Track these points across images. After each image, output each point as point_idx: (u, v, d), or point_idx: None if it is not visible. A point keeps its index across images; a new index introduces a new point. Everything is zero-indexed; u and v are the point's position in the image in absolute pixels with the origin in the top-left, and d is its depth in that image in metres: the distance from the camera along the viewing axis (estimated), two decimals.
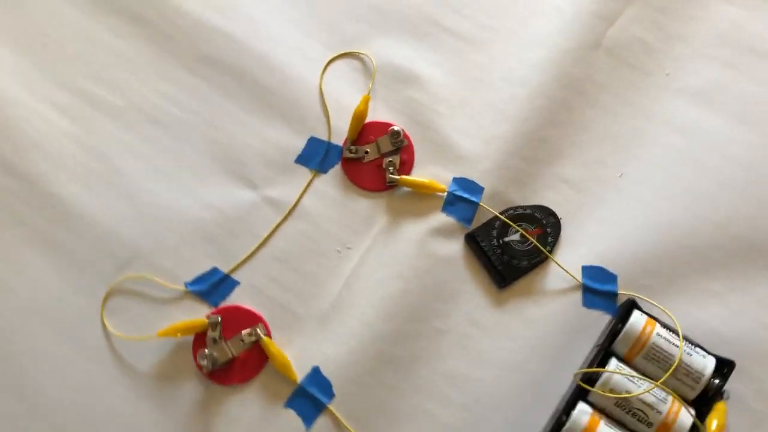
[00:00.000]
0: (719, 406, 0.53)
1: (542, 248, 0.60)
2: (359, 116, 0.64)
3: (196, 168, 0.64)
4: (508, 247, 0.60)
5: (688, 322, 0.58)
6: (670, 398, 0.53)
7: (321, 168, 0.64)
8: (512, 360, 0.59)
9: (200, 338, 0.59)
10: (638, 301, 0.59)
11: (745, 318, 0.59)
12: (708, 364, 0.54)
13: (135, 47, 0.67)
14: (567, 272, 0.60)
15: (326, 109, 0.65)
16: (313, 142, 0.65)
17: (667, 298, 0.59)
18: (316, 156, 0.64)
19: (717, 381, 0.54)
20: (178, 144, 0.64)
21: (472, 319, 0.60)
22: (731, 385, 0.55)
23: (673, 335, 0.55)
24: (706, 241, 0.61)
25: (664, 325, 0.56)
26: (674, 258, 0.60)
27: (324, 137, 0.65)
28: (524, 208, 0.62)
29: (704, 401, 0.54)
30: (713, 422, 0.52)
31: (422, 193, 0.63)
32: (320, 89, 0.66)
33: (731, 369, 0.54)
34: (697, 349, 0.55)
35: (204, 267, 0.62)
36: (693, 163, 0.63)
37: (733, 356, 0.56)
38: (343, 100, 0.66)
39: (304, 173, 0.64)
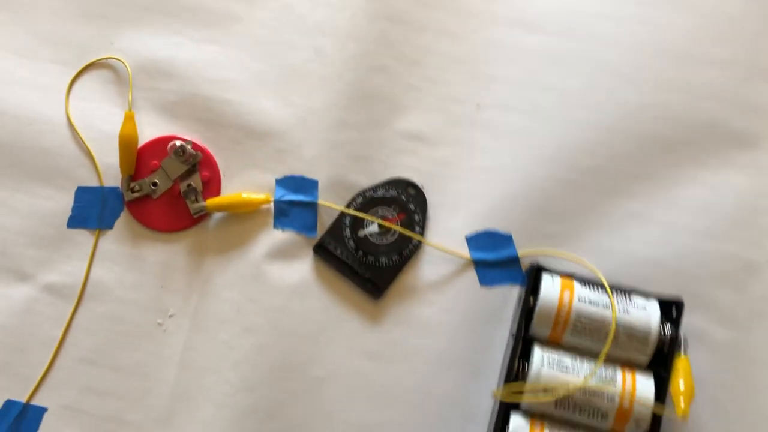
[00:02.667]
0: (680, 362, 0.41)
1: (410, 233, 0.46)
2: (128, 141, 0.47)
3: None
4: (368, 244, 0.46)
5: (612, 263, 0.46)
6: (618, 373, 0.41)
7: (103, 224, 0.48)
8: (421, 383, 0.45)
9: None
10: (546, 259, 0.46)
11: (677, 232, 0.47)
12: (651, 316, 0.42)
13: None
14: (449, 252, 0.47)
15: (86, 146, 0.49)
16: (82, 194, 0.48)
17: (579, 241, 0.47)
18: (92, 210, 0.48)
19: (668, 332, 0.42)
20: None
21: (356, 349, 0.46)
22: (686, 324, 0.43)
23: (599, 290, 0.43)
24: (607, 153, 0.48)
25: (585, 281, 0.43)
26: (574, 188, 0.47)
27: (95, 183, 0.48)
28: (374, 189, 0.48)
29: (660, 360, 0.42)
30: (679, 383, 0.40)
31: (243, 213, 0.48)
32: (70, 122, 0.49)
33: (680, 310, 0.42)
34: (633, 298, 0.43)
35: None
36: (560, 63, 0.49)
37: (676, 284, 0.45)
38: (105, 126, 0.49)
39: (85, 237, 0.48)
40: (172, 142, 0.47)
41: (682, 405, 0.39)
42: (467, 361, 0.45)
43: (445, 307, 0.46)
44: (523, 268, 0.47)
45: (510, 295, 0.46)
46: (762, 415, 0.44)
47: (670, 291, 0.44)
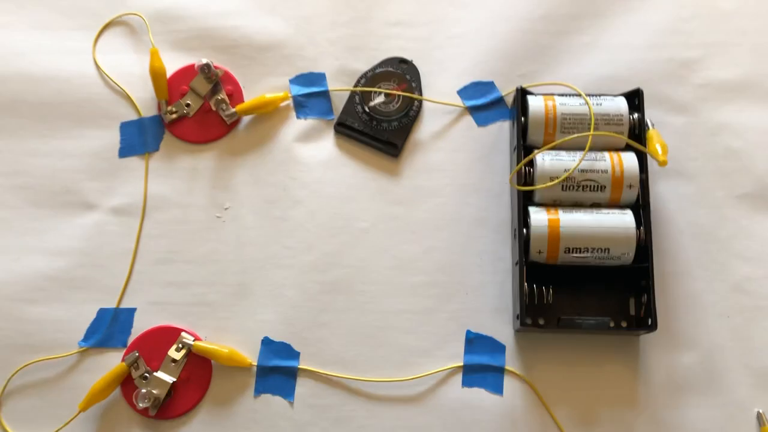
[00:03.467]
0: (650, 135, 0.51)
1: (411, 95, 0.55)
2: (157, 72, 0.55)
3: (20, 222, 0.54)
4: (379, 113, 0.55)
5: (579, 85, 0.55)
6: (605, 154, 0.50)
7: (149, 147, 0.55)
8: (449, 212, 0.53)
9: (128, 385, 0.50)
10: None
11: (622, 50, 0.57)
12: (620, 103, 0.51)
13: None
14: (447, 104, 0.56)
15: (120, 87, 0.56)
16: (126, 127, 0.56)
17: (547, 75, 0.56)
18: (138, 139, 0.56)
19: (636, 114, 0.51)
20: None
21: (388, 199, 0.54)
22: (648, 113, 0.52)
23: (575, 98, 0.52)
24: (551, 2, 0.58)
25: (562, 94, 0.53)
26: (534, 34, 0.57)
27: (134, 117, 0.56)
28: (372, 69, 0.56)
29: (635, 139, 0.51)
30: (656, 147, 0.49)
31: (269, 112, 0.56)
32: (101, 72, 0.57)
33: (641, 96, 0.52)
34: (602, 97, 0.52)
35: (89, 314, 0.52)
36: None
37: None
38: (134, 69, 0.57)
39: (136, 162, 0.55)
40: (198, 61, 0.55)
41: (661, 154, 0.48)
42: (481, 186, 0.54)
43: (453, 149, 0.55)
44: (507, 105, 0.56)
45: (502, 129, 0.56)
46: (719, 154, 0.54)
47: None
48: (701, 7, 0.58)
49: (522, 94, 0.53)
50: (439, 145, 0.55)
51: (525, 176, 0.51)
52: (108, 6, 0.58)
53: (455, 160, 0.55)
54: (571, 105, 0.51)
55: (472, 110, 0.56)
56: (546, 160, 0.50)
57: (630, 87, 0.54)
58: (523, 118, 0.52)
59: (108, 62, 0.57)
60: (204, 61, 0.54)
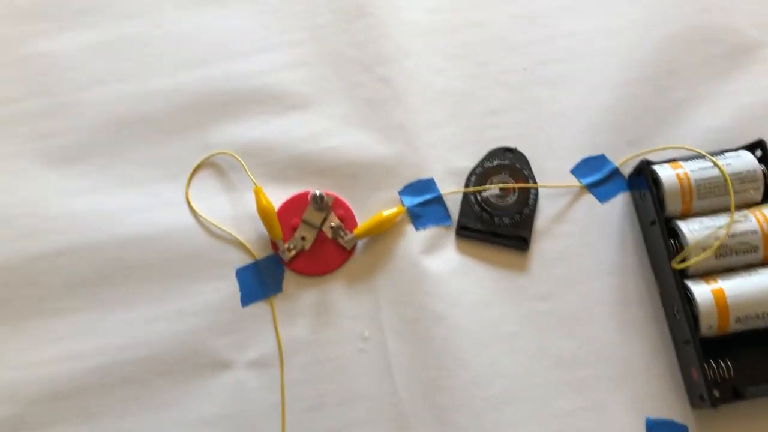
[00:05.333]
0: None
1: (526, 184, 0.54)
2: (267, 212, 0.53)
3: (153, 398, 0.51)
4: (498, 209, 0.53)
5: (687, 141, 0.55)
6: (748, 213, 0.50)
7: (272, 290, 0.53)
8: (595, 297, 0.52)
9: None
10: (639, 157, 0.54)
11: (719, 97, 0.56)
12: (747, 158, 0.51)
13: None
14: (565, 186, 0.54)
15: (227, 231, 0.54)
16: (243, 273, 0.53)
17: (656, 135, 0.55)
18: (258, 283, 0.53)
19: (763, 168, 0.51)
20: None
21: (529, 296, 0.52)
22: None
23: (699, 160, 0.51)
24: (644, 63, 0.57)
25: (684, 158, 0.52)
26: (632, 100, 0.56)
27: (249, 260, 0.54)
28: (480, 165, 0.55)
29: None
30: None
31: (386, 230, 0.54)
32: (200, 220, 0.54)
33: (764, 146, 0.51)
34: (726, 155, 0.52)
35: None
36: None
37: (740, 135, 0.54)
38: (235, 210, 0.55)
39: (262, 308, 0.53)
40: (311, 192, 0.53)
41: None
42: (621, 264, 0.53)
43: (581, 231, 0.54)
44: (624, 176, 0.55)
45: (624, 201, 0.54)
46: None
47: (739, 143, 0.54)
48: None
49: (645, 167, 0.52)
50: (566, 230, 0.54)
51: (673, 249, 0.50)
52: (192, 150, 0.56)
53: (586, 242, 0.53)
54: (702, 169, 0.50)
55: (591, 187, 0.55)
56: (693, 230, 0.49)
57: (738, 134, 0.54)
58: (656, 190, 0.51)
59: (206, 208, 0.55)
60: (317, 192, 0.52)
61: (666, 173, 0.51)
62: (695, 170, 0.51)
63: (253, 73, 0.57)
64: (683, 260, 0.48)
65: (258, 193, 0.53)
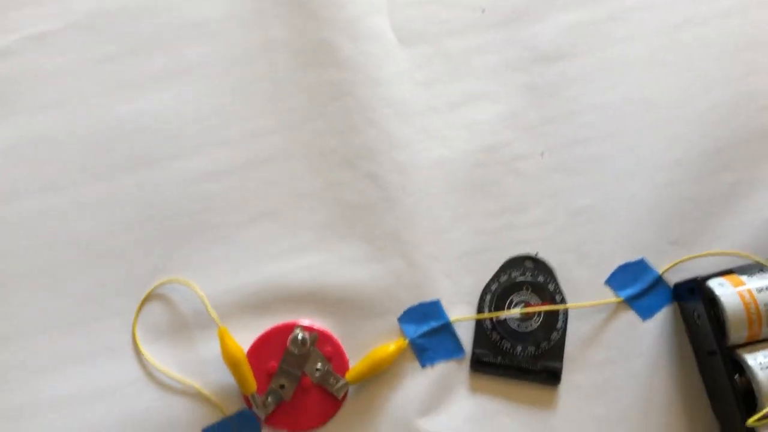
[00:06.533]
0: None
1: (553, 306, 0.44)
2: (235, 359, 0.42)
3: None
4: (522, 336, 0.44)
5: (744, 239, 0.45)
6: None
7: None
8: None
9: None
10: (687, 265, 0.45)
11: None
12: None
13: None
14: (600, 304, 0.45)
15: (189, 384, 0.43)
16: None
17: (703, 235, 0.46)
18: None
19: None
20: None
21: None
22: None
23: (763, 272, 0.42)
24: (686, 146, 0.47)
25: (743, 270, 0.43)
26: (673, 190, 0.46)
27: (218, 416, 0.43)
28: (495, 279, 0.45)
29: None
30: None
31: (385, 369, 0.44)
32: (151, 370, 0.44)
33: None
34: None
35: None
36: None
37: None
38: (198, 353, 0.44)
39: None
40: (290, 336, 0.42)
41: None
42: (671, 396, 0.43)
43: (623, 357, 0.44)
44: (668, 285, 0.45)
45: (669, 316, 0.45)
46: None
47: None
48: None
49: (700, 285, 0.42)
50: (604, 356, 0.44)
51: (739, 388, 0.40)
52: (138, 279, 0.45)
53: (629, 371, 0.44)
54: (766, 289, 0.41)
55: (631, 301, 0.45)
56: (763, 366, 0.40)
57: None
58: (714, 314, 0.41)
59: (157, 353, 0.44)
60: (299, 335, 0.42)
61: (728, 295, 0.41)
62: (763, 289, 0.41)
63: (207, 174, 0.46)
64: (760, 415, 0.39)
65: (223, 336, 0.42)
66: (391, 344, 0.43)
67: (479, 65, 0.48)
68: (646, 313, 0.45)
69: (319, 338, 0.44)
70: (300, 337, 0.42)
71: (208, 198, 0.46)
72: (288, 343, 0.42)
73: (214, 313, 0.43)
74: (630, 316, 0.45)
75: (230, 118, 0.47)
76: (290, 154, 0.47)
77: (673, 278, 0.45)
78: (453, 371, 0.44)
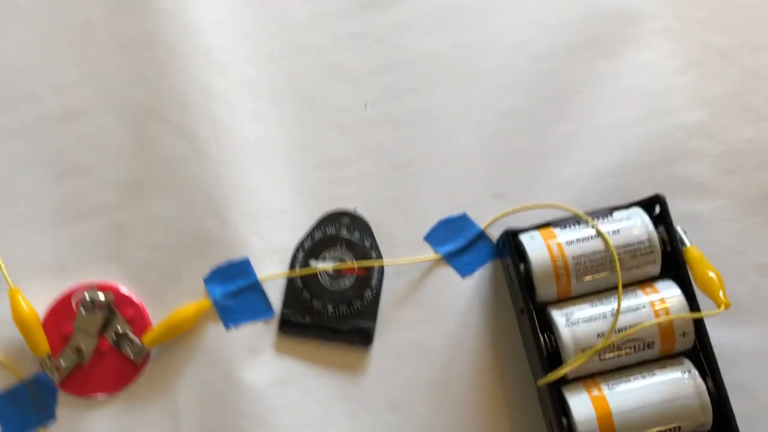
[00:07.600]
0: (690, 254, 0.39)
1: (369, 262, 0.42)
2: (27, 321, 0.40)
3: None
4: (330, 293, 0.41)
5: (572, 192, 0.43)
6: (641, 296, 0.38)
7: (42, 420, 0.41)
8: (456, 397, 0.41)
9: None
10: (511, 218, 0.42)
11: (613, 130, 0.44)
12: (640, 224, 0.39)
13: None
14: (416, 261, 0.43)
15: None
16: (3, 401, 0.41)
17: (530, 187, 0.44)
18: (22, 412, 0.41)
19: (661, 231, 0.39)
20: None
21: (368, 404, 0.41)
22: (676, 216, 0.40)
23: (580, 225, 0.40)
24: (510, 92, 0.45)
25: (561, 223, 0.40)
26: (498, 141, 0.44)
27: (12, 381, 0.41)
28: (309, 236, 0.43)
29: (672, 264, 0.39)
30: (708, 275, 0.37)
31: (188, 329, 0.42)
32: None
33: (663, 204, 0.40)
34: (615, 214, 0.40)
35: None
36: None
37: (640, 176, 0.43)
38: None
39: None
40: (74, 298, 0.40)
41: (721, 295, 0.36)
42: (490, 357, 0.41)
43: (440, 319, 0.42)
44: (492, 240, 0.43)
45: (491, 273, 0.43)
46: None
47: (636, 186, 0.42)
48: (694, 50, 0.45)
49: (510, 238, 0.40)
50: (418, 316, 0.42)
51: (547, 345, 0.38)
52: None
53: (445, 330, 0.42)
54: (581, 240, 0.39)
55: (449, 258, 0.43)
56: (568, 324, 0.38)
57: (635, 175, 0.43)
58: (525, 270, 0.39)
59: None
60: (87, 295, 0.40)
61: (535, 249, 0.39)
62: (573, 242, 0.39)
63: (12, 131, 0.44)
64: (551, 376, 0.37)
65: (14, 298, 0.40)
66: (192, 305, 0.41)
67: (303, 13, 0.46)
68: (465, 270, 0.43)
69: (120, 300, 0.41)
70: (88, 298, 0.40)
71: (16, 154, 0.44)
72: (78, 305, 0.40)
73: (6, 274, 0.41)
74: (449, 273, 0.43)
75: (36, 70, 0.45)
76: (100, 108, 0.44)
77: (498, 234, 0.43)
78: (260, 333, 0.42)
